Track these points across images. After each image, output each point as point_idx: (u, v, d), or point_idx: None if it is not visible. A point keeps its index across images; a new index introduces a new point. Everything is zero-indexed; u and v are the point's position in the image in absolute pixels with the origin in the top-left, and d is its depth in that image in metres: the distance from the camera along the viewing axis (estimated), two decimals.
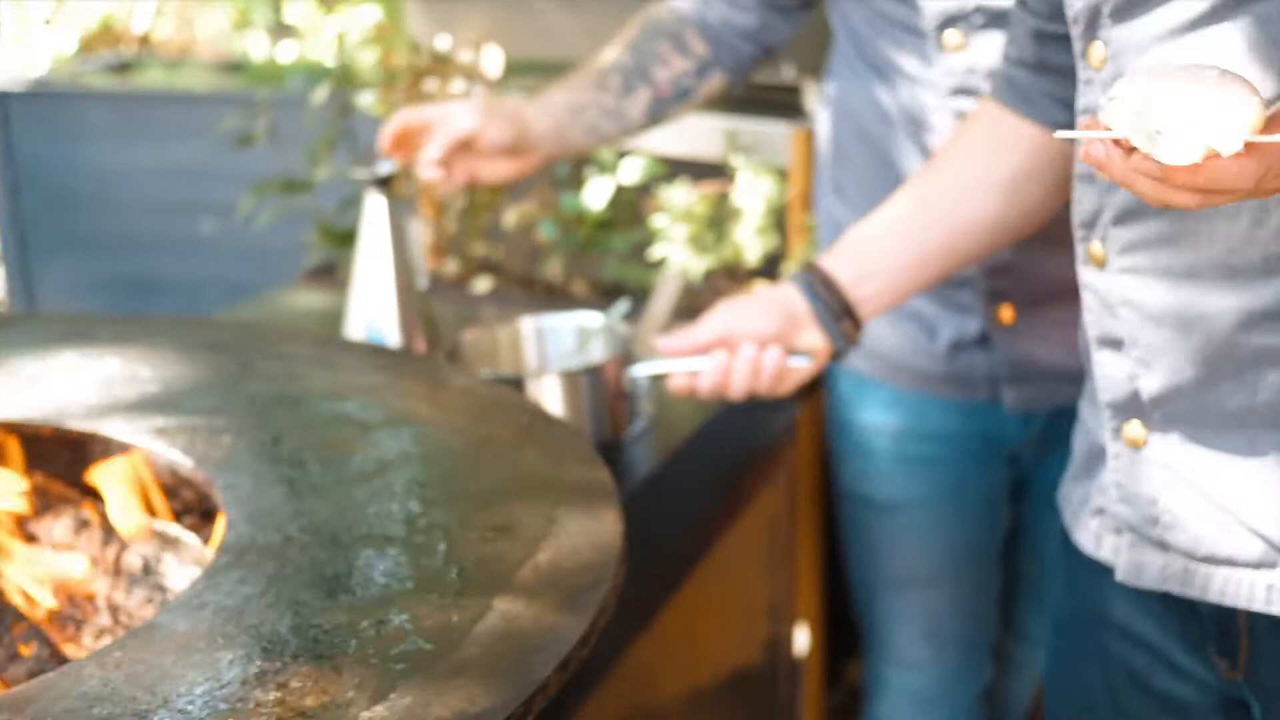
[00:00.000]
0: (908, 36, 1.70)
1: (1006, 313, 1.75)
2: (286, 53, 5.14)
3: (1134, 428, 1.16)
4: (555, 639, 1.04)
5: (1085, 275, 1.19)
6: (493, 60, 2.22)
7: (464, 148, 1.80)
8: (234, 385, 1.54)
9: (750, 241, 2.18)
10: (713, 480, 1.96)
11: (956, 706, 2.00)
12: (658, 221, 2.20)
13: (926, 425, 1.85)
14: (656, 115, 1.90)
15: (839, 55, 1.86)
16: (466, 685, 0.99)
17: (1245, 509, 1.11)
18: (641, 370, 1.67)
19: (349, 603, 1.11)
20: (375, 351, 1.71)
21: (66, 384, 1.53)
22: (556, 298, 2.24)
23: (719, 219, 2.20)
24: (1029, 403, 1.79)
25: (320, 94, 2.39)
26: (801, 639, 2.36)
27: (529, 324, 1.80)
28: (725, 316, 1.56)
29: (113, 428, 1.44)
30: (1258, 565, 1.12)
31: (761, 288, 1.69)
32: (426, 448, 1.38)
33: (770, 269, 2.22)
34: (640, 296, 2.17)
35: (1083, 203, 1.18)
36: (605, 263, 2.25)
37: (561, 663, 1.01)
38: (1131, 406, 1.17)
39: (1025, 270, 1.72)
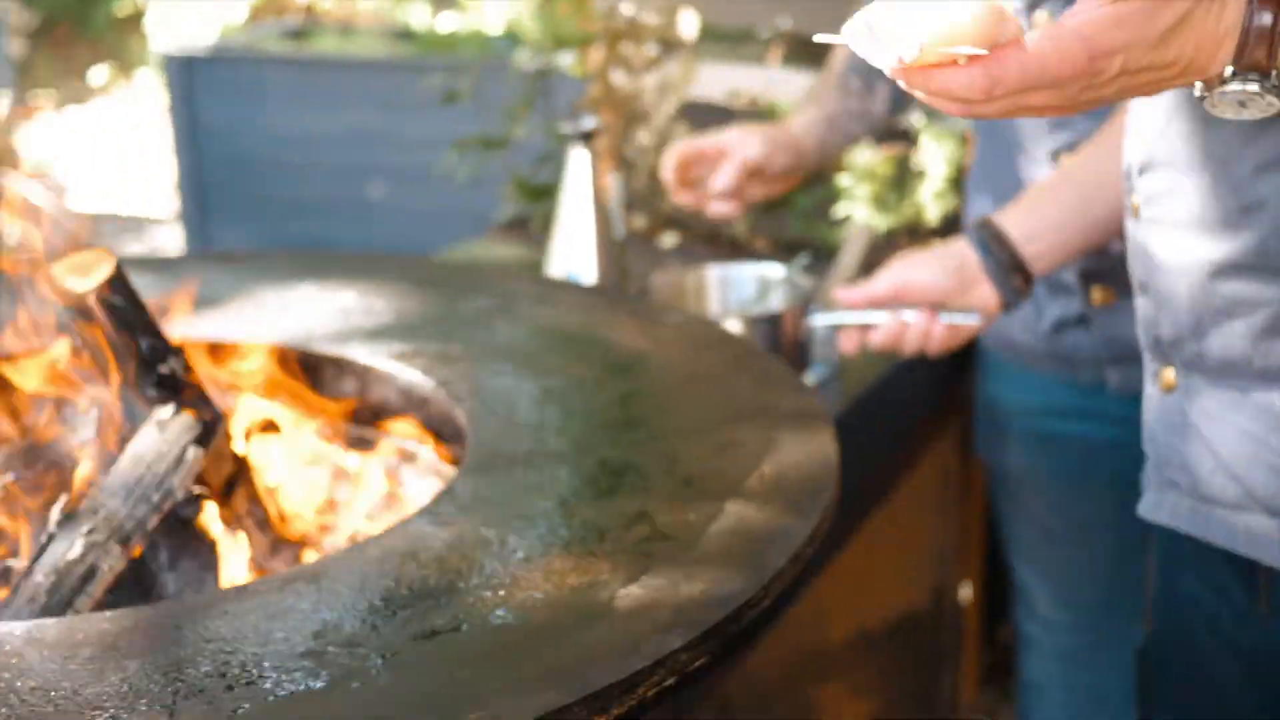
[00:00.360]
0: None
1: (1100, 294, 1.78)
2: (447, 23, 5.32)
3: (1168, 373, 1.23)
4: (786, 536, 1.15)
5: (1126, 225, 1.26)
6: (688, 24, 2.32)
7: (751, 175, 1.95)
8: (461, 317, 1.67)
9: (931, 202, 2.26)
10: (891, 429, 2.05)
11: (1105, 667, 2.01)
12: (842, 181, 2.28)
13: (1046, 401, 1.89)
14: (898, 105, 2.03)
15: None
16: (709, 571, 1.10)
17: (1234, 461, 1.17)
18: (820, 320, 1.76)
19: (593, 504, 1.22)
20: (588, 290, 1.83)
21: (309, 314, 1.67)
22: (740, 253, 2.34)
23: (901, 180, 2.28)
24: (1135, 385, 1.81)
25: (523, 57, 2.51)
26: (965, 590, 2.44)
27: (714, 272, 1.91)
28: (901, 271, 1.65)
29: (355, 353, 1.57)
30: (1236, 508, 1.18)
31: (937, 244, 1.77)
32: (649, 375, 1.49)
33: (949, 229, 2.30)
34: (821, 253, 2.26)
35: (1126, 155, 1.25)
36: (788, 220, 2.34)
37: (794, 555, 1.11)
38: (1158, 351, 1.24)
39: (1118, 252, 1.70)
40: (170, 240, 5.85)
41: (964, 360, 2.05)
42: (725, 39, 2.47)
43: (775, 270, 1.90)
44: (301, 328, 1.62)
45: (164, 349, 1.37)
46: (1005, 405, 1.96)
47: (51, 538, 1.23)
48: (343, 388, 1.54)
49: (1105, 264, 1.76)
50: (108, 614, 1.08)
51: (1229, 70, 0.94)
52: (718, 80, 2.40)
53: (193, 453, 1.31)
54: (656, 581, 1.08)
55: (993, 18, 0.89)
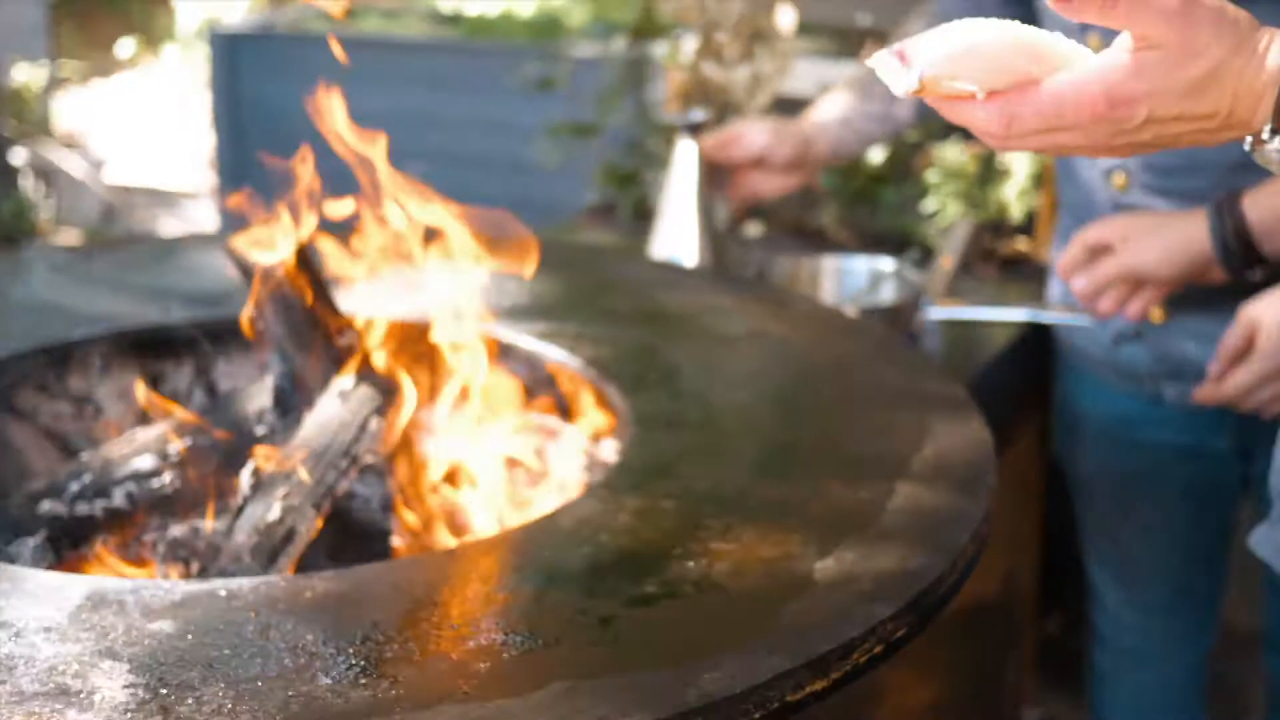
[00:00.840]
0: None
1: (1156, 311, 1.79)
2: (479, 5, 5.36)
3: None
4: (961, 515, 1.21)
5: None
6: (785, 18, 2.38)
7: (755, 164, 2.01)
8: (596, 299, 1.73)
9: (1015, 200, 2.32)
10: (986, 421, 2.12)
11: (1175, 668, 2.06)
12: (930, 176, 2.34)
13: (1116, 409, 1.92)
14: (925, 112, 2.02)
15: None
16: (897, 548, 1.16)
17: None
18: (935, 314, 1.83)
19: (767, 479, 1.28)
20: (712, 275, 1.89)
21: (447, 292, 1.72)
22: (826, 244, 2.39)
23: (986, 177, 2.34)
24: (1188, 399, 1.80)
25: (618, 45, 2.56)
26: (1031, 576, 2.51)
27: (829, 262, 1.97)
28: (1130, 258, 1.67)
29: (502, 333, 1.62)
30: None
31: (1165, 219, 1.72)
32: (791, 359, 1.55)
33: (1030, 226, 2.36)
34: (908, 246, 2.33)
35: None
36: (874, 214, 2.40)
37: (974, 533, 1.18)
38: None
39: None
40: (205, 216, 5.89)
41: (1049, 361, 2.11)
42: (820, 33, 2.52)
43: (887, 263, 1.96)
44: (435, 307, 1.68)
45: (343, 321, 1.43)
46: (1079, 409, 1.99)
47: (247, 500, 1.29)
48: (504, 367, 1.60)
49: None
50: (328, 573, 1.14)
51: (1268, 129, 0.91)
52: (811, 75, 2.45)
53: (375, 423, 1.37)
54: (849, 555, 1.14)
55: (1010, 53, 0.91)
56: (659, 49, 2.52)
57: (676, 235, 2.05)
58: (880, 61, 0.93)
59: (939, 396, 1.45)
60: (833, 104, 2.08)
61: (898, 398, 1.45)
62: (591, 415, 1.54)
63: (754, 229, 2.47)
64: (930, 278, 1.98)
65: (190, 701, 0.94)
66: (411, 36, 5.11)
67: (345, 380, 1.39)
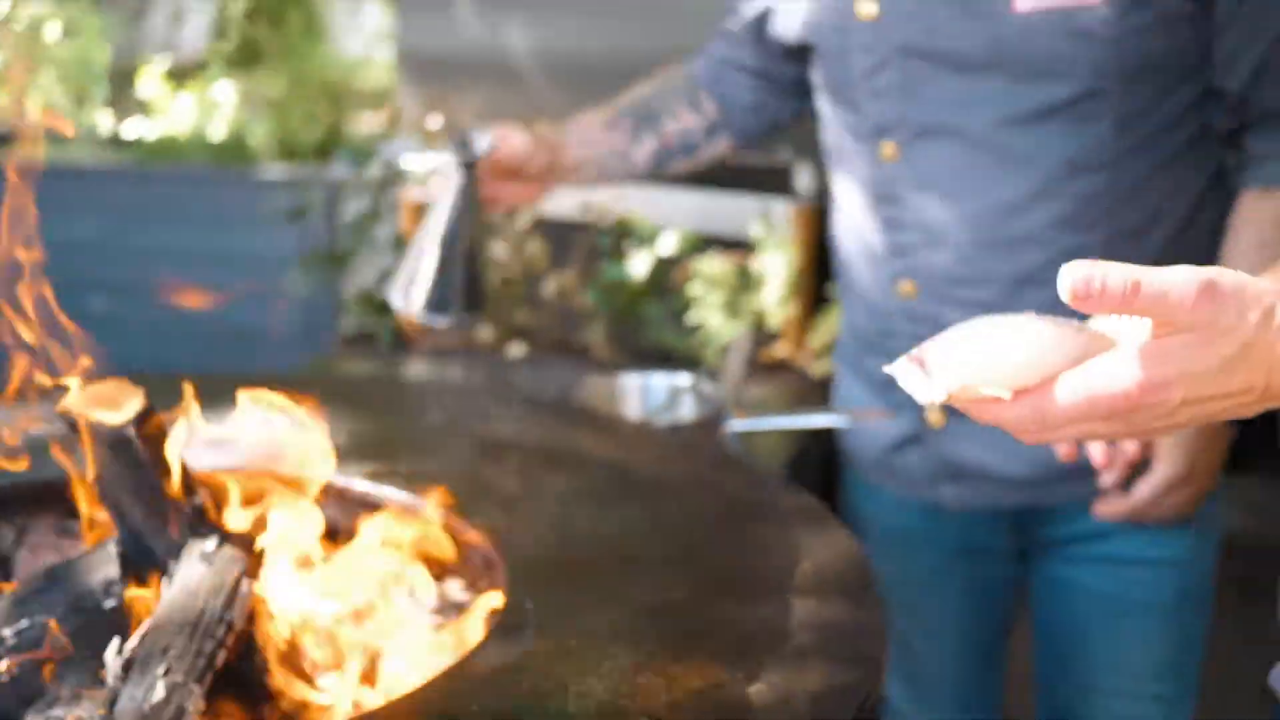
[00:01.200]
0: (856, 144, 1.80)
1: (935, 415, 1.81)
2: (134, 129, 5.21)
3: None
4: (863, 626, 1.24)
5: None
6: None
7: (507, 173, 1.86)
8: (416, 433, 1.70)
9: (773, 308, 2.41)
10: None
11: None
12: (693, 289, 2.41)
13: (895, 516, 1.93)
14: (661, 165, 2.00)
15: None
16: (817, 665, 1.18)
17: None
18: (740, 426, 1.88)
19: (662, 606, 1.29)
20: (522, 400, 1.88)
21: (255, 439, 1.66)
22: (590, 362, 2.43)
23: (744, 285, 2.42)
24: (966, 502, 1.85)
25: (374, 169, 2.54)
26: None
27: (630, 380, 2.00)
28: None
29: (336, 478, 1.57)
30: None
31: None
32: (642, 481, 1.56)
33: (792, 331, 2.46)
34: (672, 360, 2.38)
35: None
36: (639, 329, 2.45)
37: (885, 644, 1.21)
38: None
39: None
40: None
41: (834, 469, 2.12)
42: None
43: (684, 379, 2.00)
44: (252, 455, 1.61)
45: (192, 481, 1.36)
46: (863, 515, 1.98)
47: (122, 682, 1.20)
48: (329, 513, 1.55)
49: None
50: None
51: None
52: (570, 195, 2.49)
53: (245, 585, 1.30)
54: (775, 677, 1.15)
55: (1032, 351, 0.91)
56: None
57: (434, 264, 1.82)
58: (900, 370, 0.94)
59: (795, 508, 1.49)
60: (581, 128, 1.96)
61: (756, 512, 1.48)
62: (438, 553, 1.51)
63: (517, 349, 2.48)
64: (725, 390, 2.03)
65: None
66: (88, 163, 4.91)
67: (206, 543, 1.32)
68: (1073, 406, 0.90)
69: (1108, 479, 1.69)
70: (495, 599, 1.39)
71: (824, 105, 1.88)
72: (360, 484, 1.56)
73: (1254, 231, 1.65)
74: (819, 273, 2.45)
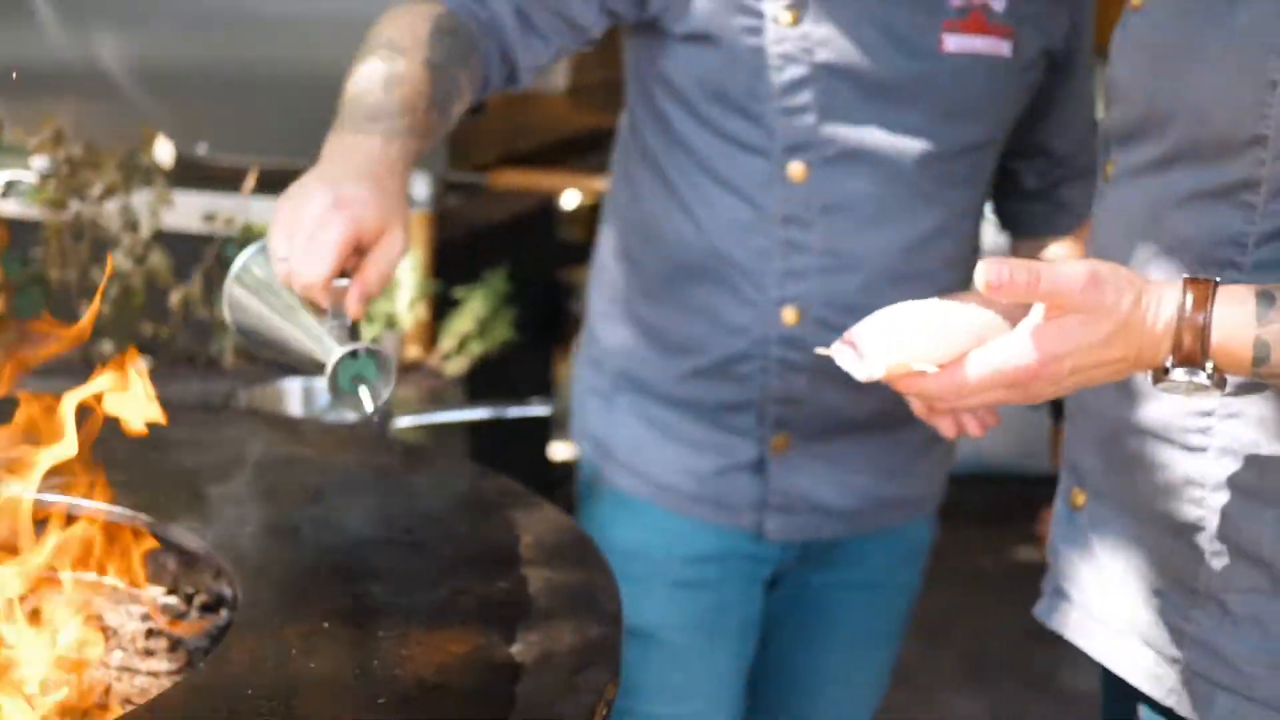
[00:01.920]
0: (750, 158, 1.70)
1: (781, 441, 1.77)
2: None
3: (1077, 493, 1.44)
4: (597, 586, 1.35)
5: None
6: (163, 152, 2.38)
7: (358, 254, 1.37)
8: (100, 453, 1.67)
9: (405, 311, 2.49)
10: None
11: None
12: None
13: (691, 547, 1.84)
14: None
15: (642, 164, 1.81)
16: (567, 623, 1.28)
17: (1123, 589, 1.38)
18: (408, 421, 1.96)
19: (397, 587, 1.35)
20: (195, 408, 1.87)
21: None
22: (222, 372, 2.42)
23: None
24: (790, 533, 1.82)
25: None
26: None
27: (293, 382, 2.03)
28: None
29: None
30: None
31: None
32: (348, 479, 1.61)
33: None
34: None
35: None
36: None
37: (619, 601, 1.32)
38: (1073, 474, 1.46)
39: (815, 403, 1.75)
40: None
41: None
42: (198, 168, 2.54)
43: None
44: None
45: None
46: (633, 550, 1.82)
47: None
48: None
49: (796, 413, 1.76)
50: None
51: (1169, 361, 1.11)
52: (193, 207, 2.47)
53: None
54: (534, 637, 1.24)
55: (948, 331, 1.11)
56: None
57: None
58: (837, 352, 1.10)
59: (496, 490, 1.58)
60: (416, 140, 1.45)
61: (464, 498, 1.56)
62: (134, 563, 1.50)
63: (143, 362, 2.43)
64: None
65: None
66: None
67: None
68: (984, 379, 1.10)
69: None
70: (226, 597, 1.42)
71: (683, 104, 1.72)
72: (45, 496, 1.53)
73: None
74: (444, 275, 2.55)
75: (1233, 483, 1.26)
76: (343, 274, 1.34)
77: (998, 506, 1.99)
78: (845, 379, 1.65)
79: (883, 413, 1.77)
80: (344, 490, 1.58)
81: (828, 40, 1.65)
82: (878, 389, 1.68)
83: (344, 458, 1.67)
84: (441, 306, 2.59)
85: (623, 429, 1.85)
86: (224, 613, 1.46)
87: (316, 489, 1.57)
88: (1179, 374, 1.11)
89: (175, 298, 2.41)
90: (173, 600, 1.50)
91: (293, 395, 2.03)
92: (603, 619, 1.28)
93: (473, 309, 2.47)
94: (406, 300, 2.48)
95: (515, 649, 1.22)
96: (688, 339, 1.78)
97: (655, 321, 1.81)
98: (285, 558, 1.40)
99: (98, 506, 1.52)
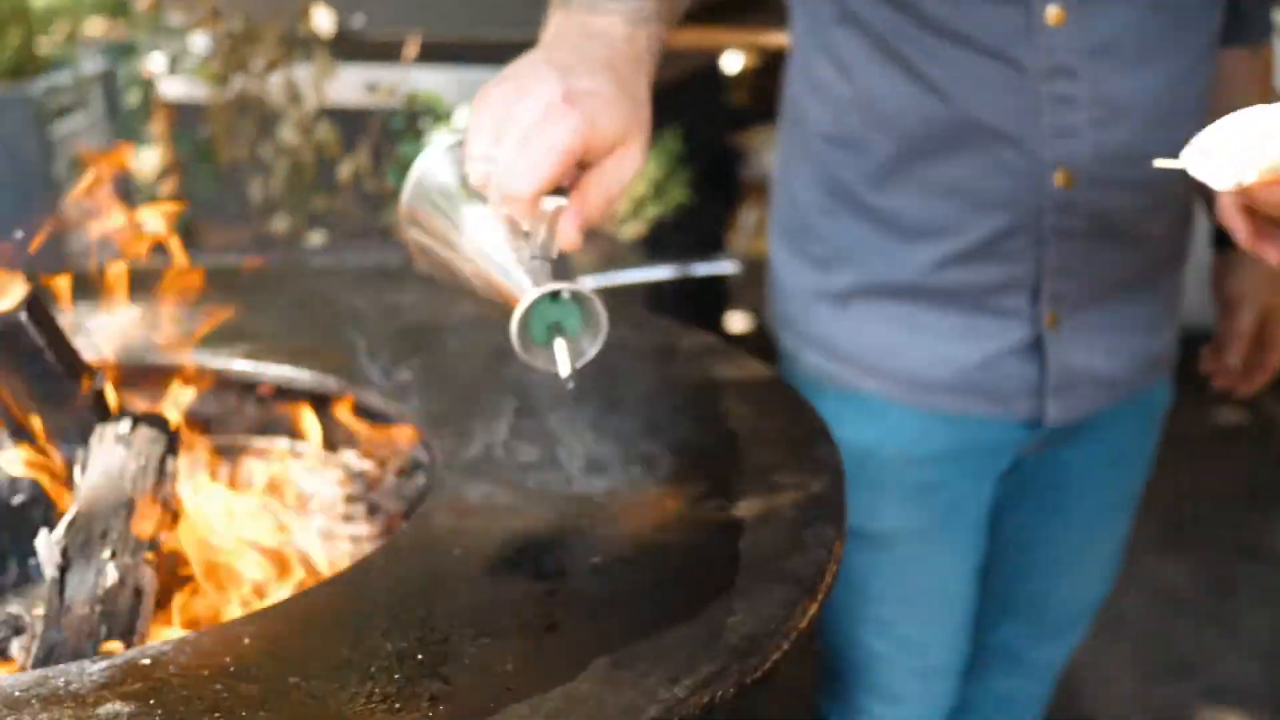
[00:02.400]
0: (998, 7, 1.51)
1: (1054, 317, 1.62)
2: None
3: None
4: (822, 438, 1.26)
5: None
6: (322, 22, 2.32)
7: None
8: (307, 317, 1.63)
9: None
10: None
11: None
12: None
13: (930, 446, 1.68)
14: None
15: (844, 30, 1.60)
16: (789, 477, 1.20)
17: None
18: (598, 282, 1.88)
19: (622, 444, 1.28)
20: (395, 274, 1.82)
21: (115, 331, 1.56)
22: (395, 244, 2.37)
23: None
24: (1070, 413, 1.67)
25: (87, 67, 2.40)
26: None
27: None
28: None
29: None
30: None
31: None
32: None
33: None
34: None
35: None
36: None
37: (839, 453, 1.24)
38: None
39: (1091, 269, 1.61)
40: None
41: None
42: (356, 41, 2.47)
43: None
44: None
45: (86, 366, 1.27)
46: (866, 453, 1.67)
47: (64, 571, 1.12)
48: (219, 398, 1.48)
49: (1070, 285, 1.61)
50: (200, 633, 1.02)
51: None
52: (354, 80, 2.41)
53: (170, 464, 1.23)
54: (751, 491, 1.16)
55: None
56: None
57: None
58: (1191, 161, 0.96)
59: (696, 344, 1.50)
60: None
61: (661, 350, 1.48)
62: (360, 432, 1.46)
63: (315, 238, 2.40)
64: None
65: None
66: None
67: (119, 425, 1.24)
68: None
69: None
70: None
71: None
72: (242, 364, 1.49)
73: (1246, 85, 1.69)
74: None
75: None
76: (557, 190, 1.01)
77: (1196, 366, 1.84)
78: (1121, 237, 1.57)
79: (1152, 265, 1.66)
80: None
81: None
82: (1146, 241, 1.61)
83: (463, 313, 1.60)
84: None
85: (862, 333, 1.66)
86: (420, 476, 1.41)
87: (507, 349, 1.49)
88: None
89: (344, 171, 2.36)
90: (368, 465, 1.45)
91: None
92: (823, 471, 1.20)
93: (647, 170, 2.37)
94: None
95: (733, 504, 1.14)
96: (936, 223, 1.59)
97: (892, 209, 1.60)
98: (481, 418, 1.34)
99: (288, 372, 1.47)
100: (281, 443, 1.50)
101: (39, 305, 1.23)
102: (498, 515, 1.14)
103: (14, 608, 1.18)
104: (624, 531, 1.10)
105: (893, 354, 1.65)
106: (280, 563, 1.31)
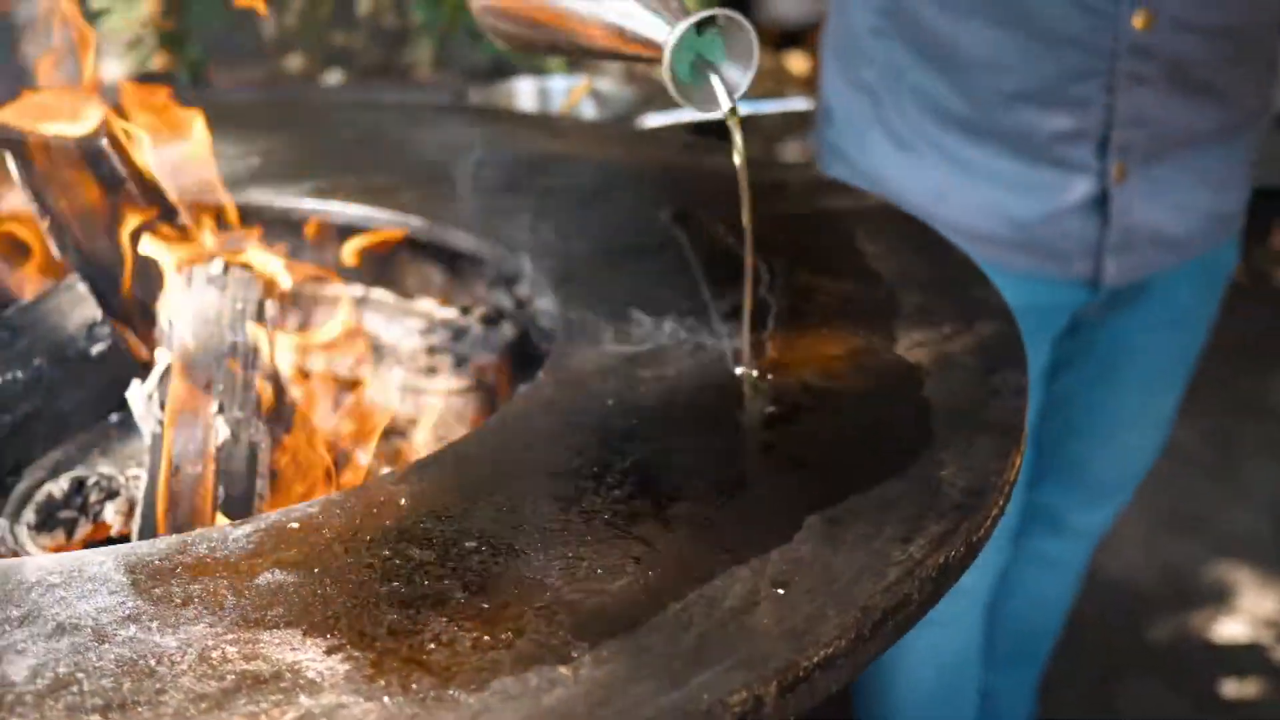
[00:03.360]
0: None
1: (1120, 171, 1.53)
2: None
3: None
4: (994, 303, 1.16)
5: None
6: None
7: None
8: (348, 149, 1.50)
9: None
10: None
11: (969, 622, 1.89)
12: None
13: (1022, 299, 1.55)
14: None
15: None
16: (959, 328, 1.10)
17: None
18: (656, 120, 1.77)
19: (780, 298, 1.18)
20: (447, 108, 1.69)
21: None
22: (411, 84, 2.23)
23: None
24: (1128, 274, 1.60)
25: None
26: None
27: (524, 84, 1.83)
28: None
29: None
30: None
31: None
32: (616, 179, 1.42)
33: None
34: (508, 75, 2.20)
35: None
36: (475, 43, 2.25)
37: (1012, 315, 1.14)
38: None
39: (1162, 121, 1.53)
40: None
41: None
42: None
43: (580, 80, 1.85)
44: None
45: (170, 198, 1.15)
46: None
47: (161, 425, 1.01)
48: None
49: (1141, 135, 1.53)
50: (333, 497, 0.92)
51: None
52: None
53: (271, 309, 1.12)
54: (918, 336, 1.07)
55: None
56: None
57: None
58: None
59: (800, 181, 1.39)
60: None
61: (769, 189, 1.37)
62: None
63: (333, 76, 2.25)
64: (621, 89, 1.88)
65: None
66: None
67: (211, 266, 1.12)
68: None
69: None
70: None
71: None
72: (312, 203, 1.36)
73: None
74: None
75: None
76: None
77: None
78: (1198, 87, 1.48)
79: (1229, 118, 1.55)
80: (626, 185, 1.39)
81: None
82: (1225, 92, 1.51)
83: (613, 151, 1.48)
84: None
85: (923, 173, 1.58)
86: (507, 325, 1.30)
87: (595, 188, 1.38)
88: None
89: (364, 5, 2.20)
90: (450, 313, 1.34)
91: (525, 95, 1.83)
92: (990, 314, 1.10)
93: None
94: None
95: (902, 350, 1.04)
96: (1000, 55, 1.50)
97: (951, 34, 1.51)
98: (584, 260, 1.23)
99: (362, 212, 1.35)
100: (354, 289, 1.39)
101: (110, 130, 1.10)
102: (642, 363, 1.03)
103: (105, 467, 1.06)
104: (792, 379, 1.00)
105: (946, 199, 1.56)
106: (361, 419, 1.20)
